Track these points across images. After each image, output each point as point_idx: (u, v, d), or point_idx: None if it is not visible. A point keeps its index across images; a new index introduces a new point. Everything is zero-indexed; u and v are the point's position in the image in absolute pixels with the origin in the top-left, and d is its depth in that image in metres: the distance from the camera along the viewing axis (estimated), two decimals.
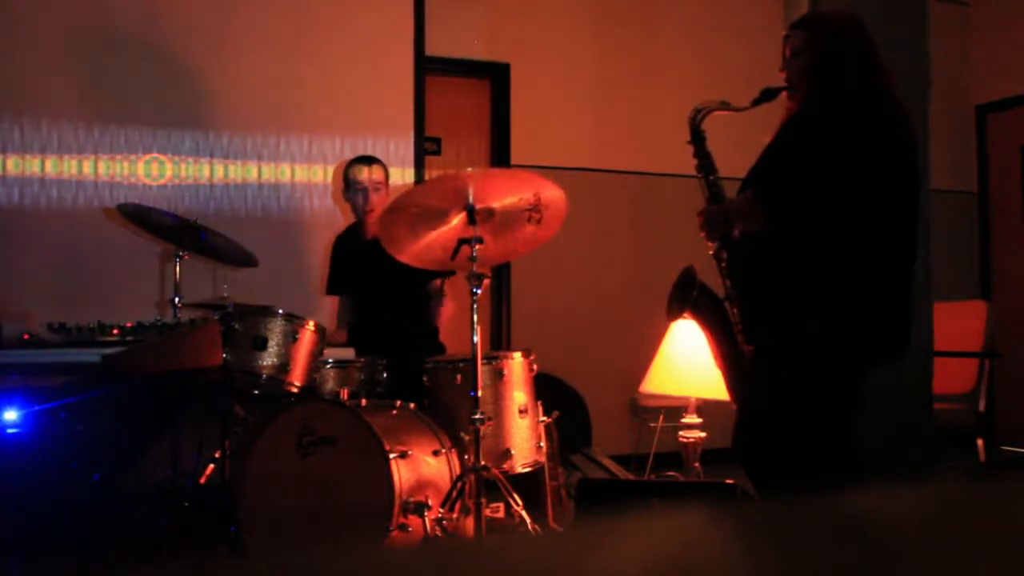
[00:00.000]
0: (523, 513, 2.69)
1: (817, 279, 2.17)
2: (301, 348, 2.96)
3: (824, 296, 2.16)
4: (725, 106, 2.42)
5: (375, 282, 3.49)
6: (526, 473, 3.00)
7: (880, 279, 2.17)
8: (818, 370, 2.18)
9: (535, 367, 3.10)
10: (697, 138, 2.49)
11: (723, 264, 2.41)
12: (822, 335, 2.16)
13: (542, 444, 3.07)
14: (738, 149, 2.51)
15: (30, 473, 2.55)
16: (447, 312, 3.58)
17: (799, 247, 2.18)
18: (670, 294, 2.52)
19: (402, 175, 4.27)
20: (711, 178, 2.46)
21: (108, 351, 2.58)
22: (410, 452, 2.62)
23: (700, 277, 2.47)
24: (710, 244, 2.44)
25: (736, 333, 2.38)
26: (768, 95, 2.38)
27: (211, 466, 3.18)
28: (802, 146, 2.19)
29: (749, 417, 2.27)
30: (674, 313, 2.51)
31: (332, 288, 3.77)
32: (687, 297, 2.44)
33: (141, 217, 3.25)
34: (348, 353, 3.22)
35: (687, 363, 3.44)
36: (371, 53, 4.31)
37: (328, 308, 3.91)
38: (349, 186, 3.58)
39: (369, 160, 3.57)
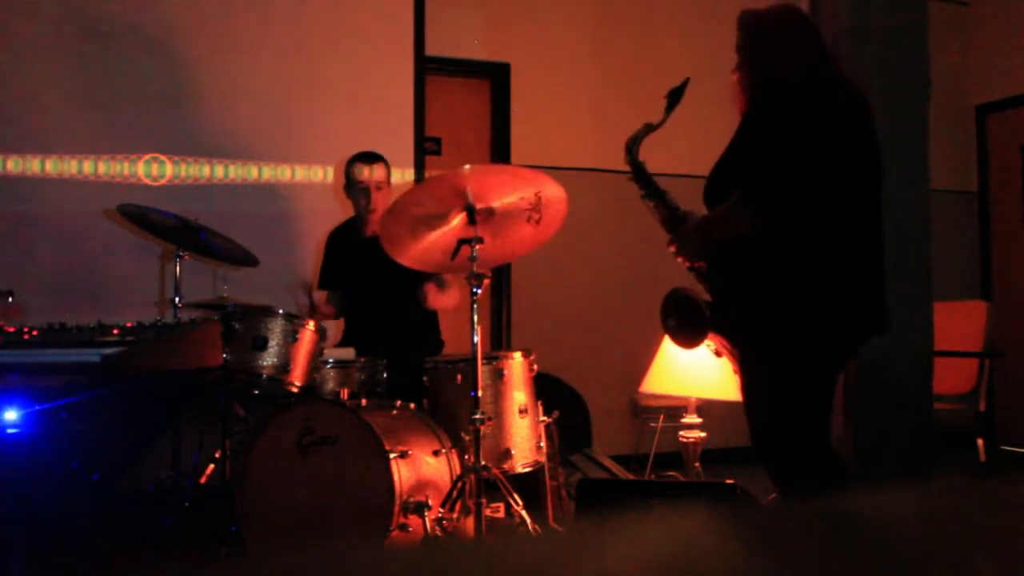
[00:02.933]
0: (523, 513, 2.69)
1: (787, 266, 2.16)
2: (301, 348, 2.96)
3: (796, 281, 2.15)
4: (649, 128, 2.41)
5: (373, 280, 3.48)
6: (526, 473, 3.00)
7: (849, 258, 2.16)
8: (798, 356, 2.18)
9: (535, 367, 3.10)
10: (637, 170, 2.46)
11: (703, 272, 2.39)
12: (798, 320, 2.15)
13: (542, 444, 3.07)
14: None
15: (30, 473, 2.55)
16: (450, 297, 3.49)
17: (772, 239, 2.17)
18: (667, 325, 2.39)
19: (402, 175, 4.27)
20: (663, 200, 2.42)
21: (108, 351, 2.58)
22: (410, 452, 2.62)
23: (685, 289, 2.38)
24: (685, 262, 2.39)
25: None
26: (675, 98, 2.37)
27: (211, 466, 3.18)
28: (759, 144, 2.17)
29: (749, 414, 2.27)
30: (695, 342, 2.39)
31: (324, 283, 3.74)
32: (703, 323, 2.31)
33: (141, 217, 3.25)
34: (348, 353, 3.22)
35: (687, 363, 3.44)
36: (371, 53, 4.30)
37: None
38: (351, 184, 3.55)
39: (371, 158, 3.52)
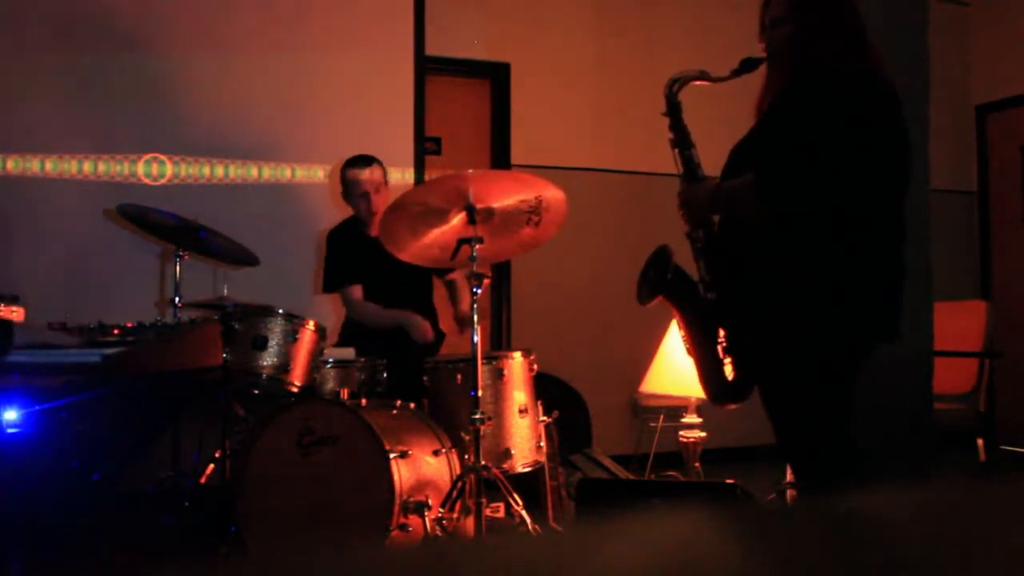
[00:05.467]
0: (523, 513, 2.69)
1: (805, 265, 2.14)
2: (301, 348, 2.96)
3: (813, 281, 2.13)
4: (703, 76, 2.32)
5: (378, 278, 3.48)
6: (526, 473, 3.00)
7: (871, 262, 2.14)
8: (799, 355, 2.16)
9: (535, 367, 3.10)
10: (673, 110, 2.38)
11: (699, 245, 2.33)
12: (802, 320, 2.13)
13: (542, 444, 3.07)
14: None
15: (30, 473, 2.55)
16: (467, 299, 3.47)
17: (790, 234, 2.15)
18: (641, 276, 2.40)
19: (402, 175, 4.27)
20: (687, 152, 2.36)
21: (108, 351, 2.58)
22: (410, 452, 2.62)
23: (669, 249, 2.36)
24: (686, 224, 2.35)
25: (709, 318, 2.31)
26: (748, 66, 2.28)
27: (211, 466, 3.18)
28: (795, 132, 2.11)
29: (772, 418, 2.24)
30: (646, 297, 2.38)
31: (332, 285, 3.65)
32: (661, 280, 2.33)
33: (141, 217, 3.25)
34: (348, 353, 3.22)
35: (687, 363, 3.43)
36: (371, 53, 4.31)
37: (328, 307, 3.89)
38: (348, 189, 3.53)
39: (366, 161, 3.50)
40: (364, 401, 2.74)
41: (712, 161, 2.35)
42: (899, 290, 2.19)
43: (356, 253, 3.58)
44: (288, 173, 4.18)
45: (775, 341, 2.20)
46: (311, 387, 2.99)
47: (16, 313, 2.72)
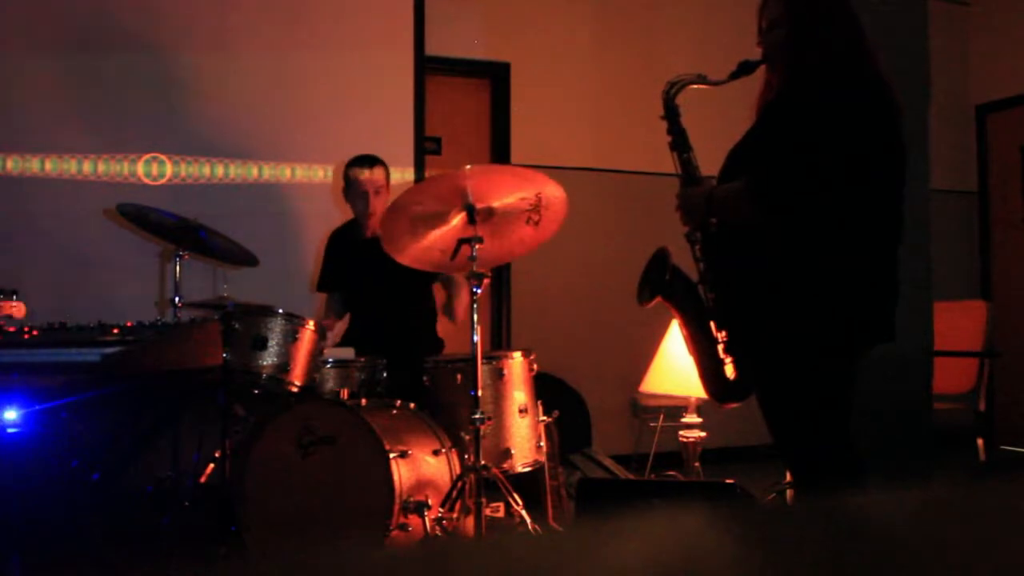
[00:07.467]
0: (523, 513, 2.68)
1: (801, 267, 2.14)
2: (301, 348, 2.96)
3: (808, 283, 2.13)
4: (701, 79, 2.32)
5: (374, 280, 3.48)
6: (526, 473, 3.00)
7: (867, 262, 2.14)
8: (806, 358, 2.16)
9: (535, 367, 3.10)
10: (671, 113, 2.39)
11: (697, 246, 2.33)
12: (806, 322, 2.13)
13: (542, 444, 3.07)
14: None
15: (30, 473, 2.55)
16: (464, 302, 3.46)
17: (785, 237, 2.15)
18: (641, 277, 2.42)
19: (402, 175, 4.27)
20: (685, 156, 2.37)
21: (108, 351, 2.58)
22: (410, 452, 2.62)
23: (673, 260, 2.37)
24: (685, 225, 2.36)
25: (709, 319, 2.32)
26: (746, 68, 2.28)
27: (211, 466, 3.18)
28: (789, 134, 2.11)
29: (767, 417, 2.24)
30: (645, 298, 2.40)
31: (323, 285, 3.71)
32: (660, 281, 2.35)
33: (141, 217, 3.25)
34: (348, 353, 3.22)
35: (687, 363, 3.42)
36: (371, 53, 4.30)
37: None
38: (349, 187, 3.54)
39: (370, 162, 3.50)
40: (364, 401, 2.74)
41: (712, 163, 2.36)
42: (895, 290, 2.19)
43: (348, 257, 3.60)
44: (288, 173, 4.18)
45: (772, 342, 2.20)
46: (311, 387, 2.99)
47: (16, 308, 2.73)
